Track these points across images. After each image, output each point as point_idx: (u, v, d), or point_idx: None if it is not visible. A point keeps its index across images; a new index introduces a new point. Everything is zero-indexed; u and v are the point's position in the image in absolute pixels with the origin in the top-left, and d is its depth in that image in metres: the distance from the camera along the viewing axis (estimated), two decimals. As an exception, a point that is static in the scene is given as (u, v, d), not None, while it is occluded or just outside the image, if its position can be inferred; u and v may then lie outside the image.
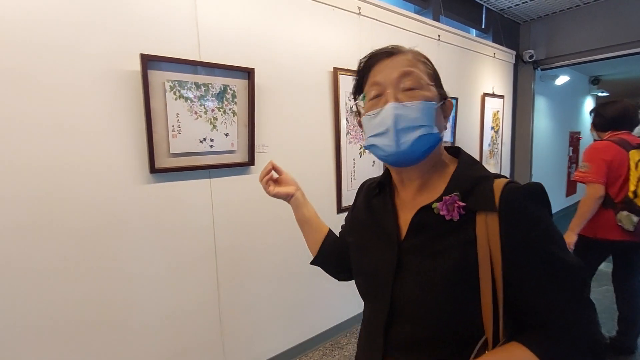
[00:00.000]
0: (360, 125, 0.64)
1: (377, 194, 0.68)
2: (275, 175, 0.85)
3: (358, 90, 0.64)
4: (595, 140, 2.01)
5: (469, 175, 0.57)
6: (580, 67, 4.43)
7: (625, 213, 1.72)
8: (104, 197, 1.33)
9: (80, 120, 1.26)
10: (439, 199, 0.55)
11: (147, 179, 1.43)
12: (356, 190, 0.80)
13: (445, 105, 0.61)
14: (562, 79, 4.52)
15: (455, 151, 0.64)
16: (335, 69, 2.03)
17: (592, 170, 1.79)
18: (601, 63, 3.63)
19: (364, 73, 0.62)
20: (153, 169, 1.42)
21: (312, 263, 0.87)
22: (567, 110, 5.51)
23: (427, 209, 0.57)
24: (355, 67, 2.02)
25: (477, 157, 3.37)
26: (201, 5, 1.52)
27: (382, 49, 0.62)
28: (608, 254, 1.95)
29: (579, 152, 6.05)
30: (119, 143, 1.35)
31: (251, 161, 1.71)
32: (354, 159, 2.19)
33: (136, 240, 1.41)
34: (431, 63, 0.62)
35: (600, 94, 6.59)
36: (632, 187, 1.72)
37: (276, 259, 1.88)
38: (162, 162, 1.45)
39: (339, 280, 0.87)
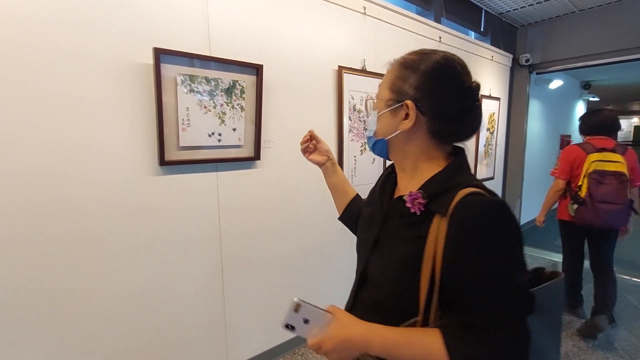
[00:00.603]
0: None
1: (386, 178, 0.77)
2: (313, 142, 0.98)
3: None
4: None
5: (443, 181, 0.61)
6: (573, 72, 4.54)
7: (570, 202, 2.21)
8: (115, 186, 1.35)
9: (93, 111, 1.27)
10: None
11: (156, 170, 1.45)
12: (357, 187, 0.87)
13: (401, 108, 0.63)
14: (555, 83, 4.64)
15: (456, 153, 0.67)
16: (340, 68, 2.07)
17: (558, 168, 2.31)
18: (593, 69, 3.74)
19: None
20: (163, 162, 1.44)
21: (339, 219, 1.00)
22: (559, 114, 5.65)
23: (401, 200, 0.65)
24: (359, 66, 2.07)
25: (473, 157, 3.45)
26: (212, 1, 1.54)
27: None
28: (582, 234, 2.34)
29: (569, 155, 6.20)
30: (130, 135, 1.37)
31: (257, 156, 1.74)
32: (355, 156, 2.24)
33: (145, 229, 1.44)
34: (408, 67, 0.64)
35: (591, 99, 6.76)
36: (579, 182, 2.16)
37: (280, 250, 1.92)
38: (171, 154, 1.47)
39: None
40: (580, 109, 6.61)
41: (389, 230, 0.67)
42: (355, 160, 2.25)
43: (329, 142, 2.09)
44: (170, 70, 1.42)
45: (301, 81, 1.92)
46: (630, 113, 12.79)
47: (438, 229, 0.56)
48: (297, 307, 0.61)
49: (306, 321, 0.61)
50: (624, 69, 5.09)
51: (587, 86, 6.32)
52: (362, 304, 0.70)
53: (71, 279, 1.28)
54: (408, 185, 0.67)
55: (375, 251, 0.68)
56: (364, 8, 2.18)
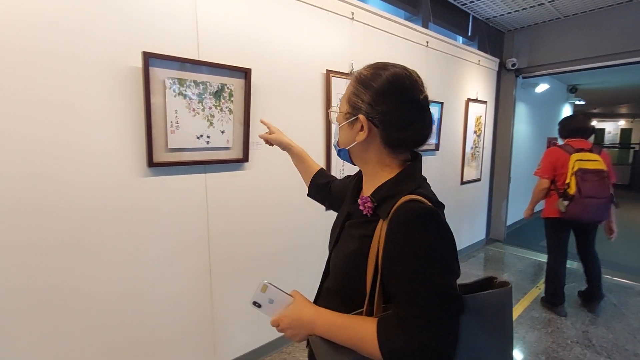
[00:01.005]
0: None
1: (359, 180, 0.83)
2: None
3: None
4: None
5: (390, 187, 0.67)
6: (559, 76, 4.65)
7: (560, 199, 2.35)
8: (104, 187, 1.37)
9: (82, 113, 1.30)
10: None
11: (145, 172, 1.48)
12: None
13: (357, 121, 0.69)
14: (542, 87, 4.75)
15: (411, 158, 0.72)
16: (328, 72, 2.11)
17: (541, 168, 2.51)
18: (579, 73, 3.85)
19: None
20: (151, 163, 1.47)
21: (308, 195, 1.15)
22: (546, 117, 5.77)
23: (357, 202, 0.72)
24: (347, 70, 2.12)
25: (460, 159, 3.52)
26: (201, 6, 1.57)
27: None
28: (568, 229, 2.52)
29: (556, 157, 6.33)
30: (119, 137, 1.39)
31: (245, 158, 1.78)
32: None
33: (132, 229, 1.46)
34: (361, 83, 0.69)
35: (577, 102, 6.91)
36: (567, 180, 2.31)
37: (267, 250, 1.96)
38: (160, 156, 1.50)
39: (326, 208, 1.11)
40: (566, 112, 6.76)
41: (347, 229, 0.75)
42: (344, 162, 2.29)
43: (317, 144, 2.13)
44: (159, 74, 1.45)
45: (289, 84, 1.96)
46: (617, 116, 13.08)
47: (381, 230, 0.63)
48: (263, 288, 0.69)
49: (271, 301, 0.70)
50: (609, 73, 5.23)
51: (573, 90, 6.46)
52: (324, 293, 0.79)
53: (59, 279, 1.29)
54: (368, 189, 0.73)
55: (336, 247, 0.77)
56: (352, 13, 2.23)
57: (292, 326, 0.68)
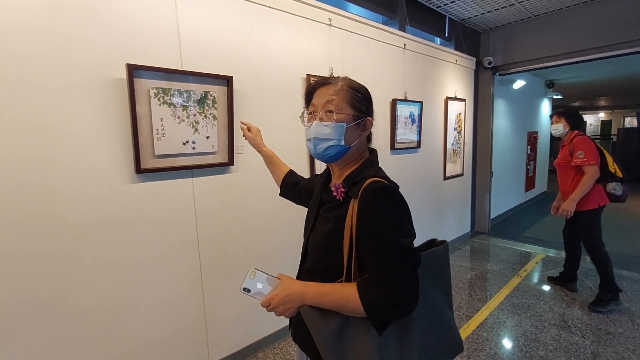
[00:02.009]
0: None
1: (327, 173, 0.96)
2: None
3: (306, 105, 0.90)
4: (559, 136, 2.70)
5: (357, 173, 0.82)
6: (536, 71, 4.83)
7: (613, 184, 2.46)
8: (93, 195, 1.43)
9: (71, 124, 1.36)
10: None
11: (133, 178, 1.55)
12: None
13: (363, 122, 0.84)
14: (518, 84, 4.92)
15: (369, 154, 0.89)
16: (308, 76, 2.20)
17: (587, 156, 2.42)
18: (554, 68, 4.02)
19: (309, 94, 0.88)
20: (139, 170, 1.54)
21: (280, 195, 1.27)
22: (525, 111, 5.97)
23: (330, 190, 0.85)
24: (327, 74, 2.23)
25: (442, 156, 3.65)
26: (182, 18, 1.64)
27: (322, 79, 0.86)
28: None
29: (537, 150, 6.55)
30: (107, 145, 1.46)
31: (231, 161, 1.85)
32: (326, 159, 2.37)
33: (123, 235, 1.53)
34: (358, 90, 0.85)
35: (555, 97, 7.15)
36: (611, 168, 2.45)
37: (256, 249, 2.04)
38: (147, 163, 1.57)
39: (296, 204, 1.22)
40: (545, 106, 6.98)
41: (321, 214, 0.87)
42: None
43: (301, 147, 2.22)
44: (143, 84, 1.52)
45: (271, 89, 2.04)
46: (596, 108, 13.50)
47: (353, 208, 0.77)
48: (252, 274, 0.78)
49: (259, 285, 0.79)
50: (583, 68, 5.45)
51: (551, 85, 6.69)
52: (304, 273, 0.91)
53: (50, 287, 1.35)
54: (338, 178, 0.87)
55: (313, 232, 0.88)
56: (330, 20, 2.32)
57: (283, 302, 0.76)
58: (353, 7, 2.76)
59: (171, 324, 1.71)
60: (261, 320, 2.08)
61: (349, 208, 0.78)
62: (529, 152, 6.20)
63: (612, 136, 12.23)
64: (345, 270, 0.77)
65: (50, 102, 1.31)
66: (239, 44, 1.87)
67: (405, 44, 2.98)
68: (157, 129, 1.57)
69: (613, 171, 2.45)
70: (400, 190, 0.78)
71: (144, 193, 1.58)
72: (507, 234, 4.52)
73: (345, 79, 0.86)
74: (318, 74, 2.25)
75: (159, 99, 1.56)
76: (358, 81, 0.88)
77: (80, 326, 1.42)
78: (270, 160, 1.27)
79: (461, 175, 4.04)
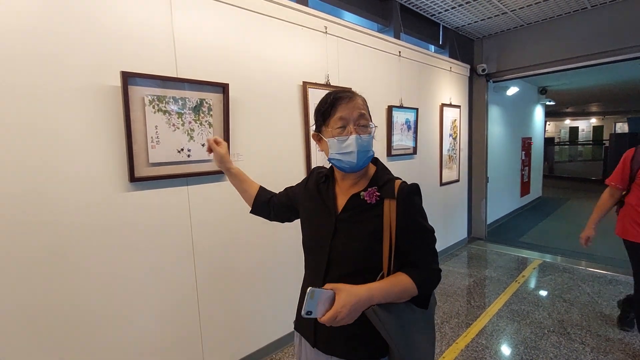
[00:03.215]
0: (317, 140, 0.96)
1: (323, 182, 0.98)
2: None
3: (323, 116, 0.90)
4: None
5: (382, 177, 0.92)
6: (529, 78, 4.91)
7: None
8: (86, 203, 1.40)
9: (64, 131, 1.34)
10: (365, 190, 0.89)
11: (127, 187, 1.52)
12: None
13: (374, 130, 0.93)
14: (512, 90, 4.98)
15: (374, 160, 0.96)
16: (305, 83, 2.20)
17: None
18: (547, 75, 4.07)
19: (331, 106, 0.89)
20: (133, 178, 1.51)
21: (251, 212, 1.21)
22: (519, 117, 6.03)
23: (356, 195, 0.90)
24: (323, 81, 2.23)
25: (438, 162, 3.66)
26: (178, 25, 1.64)
27: (343, 91, 0.90)
28: None
29: (531, 156, 6.61)
30: (100, 153, 1.43)
31: (227, 169, 1.83)
32: (323, 165, 2.36)
33: (117, 244, 1.49)
34: (366, 102, 0.93)
35: (547, 103, 7.24)
36: None
37: (252, 259, 2.00)
38: (141, 171, 1.54)
39: (270, 220, 1.20)
40: (538, 112, 7.07)
41: (345, 219, 0.89)
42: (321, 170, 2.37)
43: (297, 152, 2.21)
44: (138, 92, 1.50)
45: (268, 97, 2.03)
46: (588, 114, 13.71)
47: (390, 208, 0.85)
48: (312, 294, 0.73)
49: (317, 303, 0.75)
50: (574, 75, 5.53)
51: (543, 91, 6.78)
52: (333, 278, 0.88)
53: (44, 297, 1.31)
54: (353, 186, 0.92)
55: (337, 237, 0.89)
56: (326, 27, 2.33)
57: (354, 309, 0.76)
58: (348, 15, 2.79)
59: (166, 334, 1.67)
60: (258, 331, 2.04)
61: (384, 208, 0.86)
62: (523, 158, 6.25)
63: (604, 141, 12.40)
64: (387, 263, 0.85)
65: (43, 107, 1.29)
66: (235, 51, 1.86)
67: (400, 52, 3.00)
68: (152, 137, 1.55)
69: None
70: None
71: (138, 202, 1.55)
72: (503, 239, 4.52)
73: (359, 94, 0.92)
74: (314, 82, 2.25)
75: (153, 107, 1.54)
76: (354, 88, 0.94)
77: (71, 336, 1.38)
78: (240, 179, 1.19)
79: (457, 181, 4.05)
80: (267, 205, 1.16)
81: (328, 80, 2.33)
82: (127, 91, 1.45)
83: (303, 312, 0.73)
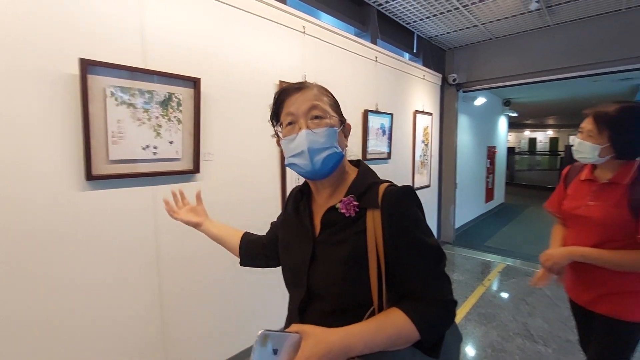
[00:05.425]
0: (279, 145, 0.78)
1: (301, 199, 0.81)
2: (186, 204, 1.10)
3: (275, 117, 0.77)
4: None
5: (363, 182, 0.73)
6: (495, 90, 5.15)
7: None
8: (37, 202, 1.25)
9: (12, 121, 1.18)
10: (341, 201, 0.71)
11: (83, 186, 1.38)
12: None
13: (344, 127, 0.77)
14: (480, 100, 5.19)
15: (357, 162, 0.80)
16: (281, 82, 2.14)
17: None
18: (511, 88, 4.28)
19: (278, 104, 0.75)
20: (90, 176, 1.37)
21: (241, 265, 1.03)
22: (486, 127, 6.31)
23: (332, 209, 0.72)
24: (300, 81, 2.13)
25: (410, 167, 3.71)
26: (148, 13, 1.52)
27: (292, 84, 0.75)
28: None
29: (495, 164, 6.93)
30: (53, 147, 1.29)
31: (196, 169, 1.73)
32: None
33: (72, 247, 1.34)
34: (332, 95, 0.78)
35: (511, 114, 7.64)
36: None
37: (222, 267, 1.90)
38: (100, 168, 1.41)
39: (270, 267, 1.00)
40: (502, 123, 7.44)
41: (323, 241, 0.72)
42: (298, 177, 2.31)
43: (272, 154, 2.14)
44: (99, 82, 1.37)
45: (243, 95, 1.95)
46: (546, 126, 14.69)
47: (374, 220, 0.66)
48: (264, 340, 0.56)
49: (275, 351, 0.56)
50: (536, 89, 5.88)
51: (507, 103, 7.15)
52: (313, 320, 0.69)
53: (-23, 308, 1.15)
54: (331, 197, 0.75)
55: (315, 264, 0.71)
56: (304, 27, 2.29)
57: None
58: (326, 17, 2.76)
59: (128, 347, 1.52)
60: (223, 341, 1.93)
61: (367, 221, 0.67)
62: (488, 166, 6.54)
63: (559, 152, 13.32)
64: (376, 295, 0.64)
65: (-17, 96, 1.13)
66: (208, 45, 1.77)
67: (377, 57, 3.02)
68: (113, 132, 1.42)
69: None
70: None
71: (95, 202, 1.41)
72: (470, 243, 4.67)
73: (316, 84, 0.76)
74: (291, 81, 2.19)
75: (116, 99, 1.42)
76: (331, 91, 0.79)
77: (23, 346, 1.21)
78: (223, 232, 1.05)
79: (428, 186, 4.14)
80: (258, 251, 0.98)
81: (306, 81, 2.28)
82: (85, 80, 1.32)
83: None
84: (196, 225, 1.06)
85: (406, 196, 0.68)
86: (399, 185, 0.70)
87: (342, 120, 0.76)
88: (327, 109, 0.72)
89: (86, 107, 1.33)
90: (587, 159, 1.28)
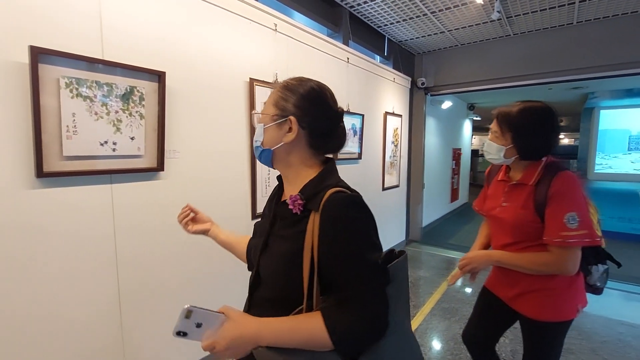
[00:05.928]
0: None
1: (278, 189, 0.85)
2: (192, 215, 1.08)
3: None
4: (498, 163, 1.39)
5: (319, 183, 0.73)
6: (461, 94, 5.38)
7: (601, 269, 1.23)
8: (-26, 204, 1.15)
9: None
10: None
11: (33, 183, 1.28)
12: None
13: (286, 122, 0.74)
14: (446, 104, 5.40)
15: (326, 161, 0.80)
16: (252, 80, 2.10)
17: (584, 222, 1.09)
18: (475, 93, 4.49)
19: None
20: (41, 173, 1.28)
21: (249, 269, 0.98)
22: (451, 130, 6.58)
23: (284, 203, 0.75)
24: (271, 80, 2.14)
25: (380, 168, 3.79)
26: (107, 1, 1.44)
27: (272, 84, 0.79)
28: None
29: (460, 165, 7.24)
30: (0, 142, 1.18)
31: (160, 167, 1.66)
32: (268, 168, 2.28)
33: (21, 248, 1.24)
34: (289, 90, 0.75)
35: (474, 118, 8.02)
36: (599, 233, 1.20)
37: (184, 267, 1.84)
38: (52, 165, 1.31)
39: None
40: (467, 126, 7.79)
41: (275, 233, 0.76)
42: (269, 170, 2.29)
43: (242, 152, 2.10)
44: (51, 72, 1.28)
45: (211, 90, 1.90)
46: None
47: (313, 223, 0.67)
48: (188, 314, 0.61)
49: (199, 325, 0.63)
50: (499, 94, 6.21)
51: (472, 107, 7.49)
52: (257, 303, 0.77)
53: None
54: (293, 191, 0.76)
55: (265, 253, 0.76)
56: (275, 25, 2.26)
57: (233, 345, 0.62)
58: (298, 16, 2.75)
59: (84, 350, 1.43)
60: (185, 344, 1.87)
61: (308, 223, 0.67)
62: (453, 167, 6.82)
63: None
64: (306, 295, 0.66)
65: None
66: (175, 38, 1.70)
67: (348, 58, 3.05)
68: (68, 126, 1.33)
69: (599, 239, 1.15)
70: None
71: (47, 201, 1.32)
72: (435, 241, 4.86)
73: (288, 79, 0.78)
74: (262, 79, 2.17)
75: (71, 90, 1.33)
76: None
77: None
78: (233, 240, 1.05)
79: (397, 186, 4.25)
80: None
81: (277, 80, 2.26)
82: (36, 70, 1.23)
83: (173, 331, 0.62)
84: (205, 232, 1.07)
85: (347, 205, 0.67)
86: (351, 193, 0.70)
87: (281, 115, 0.74)
88: (266, 107, 0.77)
89: (37, 99, 1.24)
90: (495, 160, 1.28)
